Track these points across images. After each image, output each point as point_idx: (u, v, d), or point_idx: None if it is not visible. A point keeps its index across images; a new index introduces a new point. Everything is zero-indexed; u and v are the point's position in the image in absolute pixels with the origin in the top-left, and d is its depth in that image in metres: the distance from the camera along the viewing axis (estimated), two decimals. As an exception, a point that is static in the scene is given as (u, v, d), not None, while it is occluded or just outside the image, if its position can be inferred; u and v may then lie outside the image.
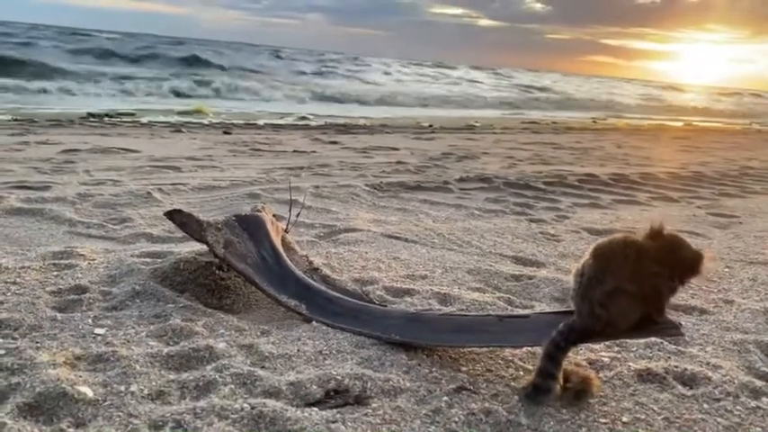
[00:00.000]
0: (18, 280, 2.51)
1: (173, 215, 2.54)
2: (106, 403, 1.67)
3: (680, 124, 22.46)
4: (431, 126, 13.64)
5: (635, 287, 1.64)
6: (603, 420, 1.73)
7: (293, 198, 4.44)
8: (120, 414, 1.62)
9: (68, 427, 1.57)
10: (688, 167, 8.01)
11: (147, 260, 2.78)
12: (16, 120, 10.00)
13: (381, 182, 5.46)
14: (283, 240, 2.77)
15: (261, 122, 12.18)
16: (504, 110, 22.70)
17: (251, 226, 2.58)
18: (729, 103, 38.95)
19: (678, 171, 7.54)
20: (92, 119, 11.04)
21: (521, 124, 16.31)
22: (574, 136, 12.92)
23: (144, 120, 11.39)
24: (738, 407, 1.85)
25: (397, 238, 3.65)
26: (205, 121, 11.85)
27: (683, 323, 2.52)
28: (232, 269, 2.49)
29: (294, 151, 7.71)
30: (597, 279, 1.66)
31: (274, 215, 2.94)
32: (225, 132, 9.72)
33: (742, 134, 18.12)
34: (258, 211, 2.75)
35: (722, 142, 13.60)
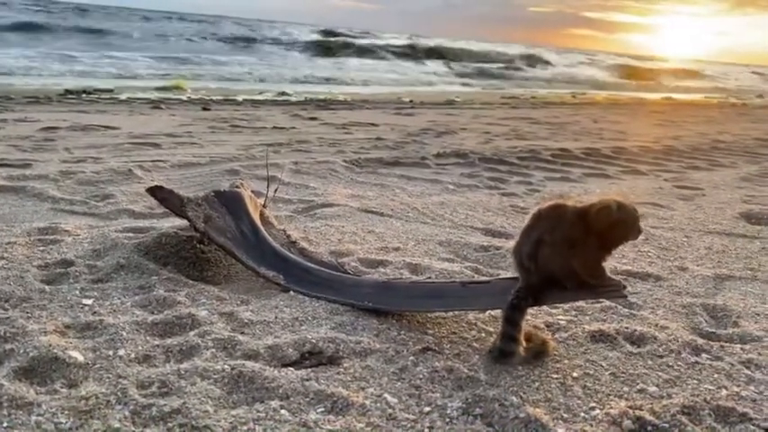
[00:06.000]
0: (5, 255, 2.61)
1: (154, 191, 2.65)
2: (96, 366, 1.80)
3: (658, 98, 22.73)
4: (411, 102, 13.72)
5: (553, 238, 1.81)
6: (555, 376, 1.90)
7: (272, 174, 4.56)
8: (110, 376, 1.75)
9: (62, 387, 1.70)
10: (660, 141, 8.21)
11: (130, 235, 2.89)
12: (-8, 97, 9.91)
13: (360, 158, 5.58)
14: (262, 215, 2.89)
15: (240, 98, 12.17)
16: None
17: (230, 201, 2.69)
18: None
19: (650, 145, 7.74)
20: (69, 95, 10.97)
21: (500, 99, 16.43)
22: (552, 111, 13.09)
23: (123, 96, 11.35)
24: (679, 362, 2.02)
25: (373, 212, 3.79)
26: (184, 98, 11.83)
27: (638, 289, 2.70)
28: (212, 243, 2.61)
29: (273, 127, 7.78)
30: (526, 234, 1.85)
31: (253, 191, 3.05)
32: (204, 109, 9.73)
33: (717, 108, 18.41)
34: (237, 187, 2.87)
35: (697, 116, 13.85)
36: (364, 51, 29.72)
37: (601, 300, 2.42)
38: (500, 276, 2.53)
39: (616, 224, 1.78)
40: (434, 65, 28.29)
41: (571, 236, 1.78)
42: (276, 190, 3.60)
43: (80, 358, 1.82)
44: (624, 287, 1.86)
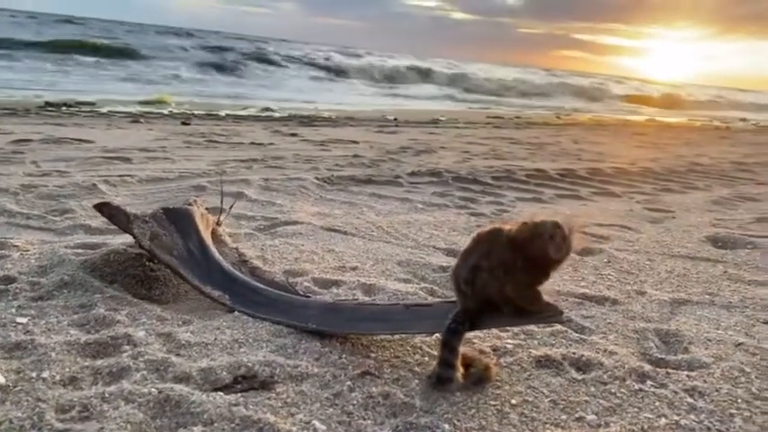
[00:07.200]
0: (-54, 270, 2.54)
1: (101, 208, 2.60)
2: (16, 389, 1.74)
3: (642, 119, 22.92)
4: (395, 119, 13.74)
5: (490, 263, 1.77)
6: (493, 402, 1.85)
7: (239, 191, 4.51)
8: (29, 399, 1.69)
9: (-24, 411, 1.63)
10: (637, 163, 8.23)
11: (80, 251, 2.83)
12: (-31, 108, 9.82)
13: (332, 175, 5.55)
14: (214, 233, 2.84)
15: (222, 113, 12.13)
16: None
17: (179, 219, 2.65)
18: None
19: (627, 167, 7.75)
20: (49, 108, 10.89)
21: (485, 119, 16.51)
22: (534, 131, 13.15)
23: (103, 110, 11.28)
24: (623, 389, 1.99)
25: (335, 230, 3.74)
26: (165, 112, 11.77)
27: (592, 313, 2.67)
28: (159, 261, 2.55)
29: (251, 143, 7.74)
30: (463, 259, 1.82)
31: (207, 208, 3.00)
32: (183, 123, 9.69)
33: (699, 131, 18.59)
34: (189, 204, 2.82)
35: (679, 138, 13.96)
36: (357, 72, 29.85)
37: (552, 324, 2.39)
38: (444, 299, 2.49)
39: (534, 241, 1.72)
40: (454, 91, 28.32)
41: (506, 260, 1.75)
42: (231, 207, 3.54)
43: (1, 380, 1.76)
44: (561, 312, 1.83)
